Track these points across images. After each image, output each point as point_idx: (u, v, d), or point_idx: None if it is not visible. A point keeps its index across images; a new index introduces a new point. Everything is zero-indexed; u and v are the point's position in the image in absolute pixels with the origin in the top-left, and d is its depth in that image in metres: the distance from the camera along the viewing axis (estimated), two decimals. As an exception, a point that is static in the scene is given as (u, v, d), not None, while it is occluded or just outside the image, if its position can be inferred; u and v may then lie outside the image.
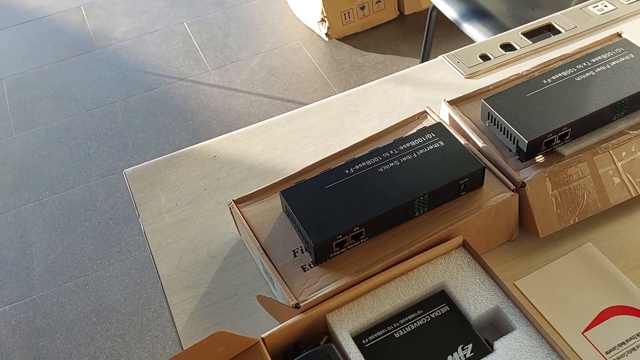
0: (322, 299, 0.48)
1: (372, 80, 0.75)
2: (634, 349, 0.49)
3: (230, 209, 0.57)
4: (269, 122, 0.71)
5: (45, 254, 1.45)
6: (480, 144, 0.58)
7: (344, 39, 1.91)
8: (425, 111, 0.62)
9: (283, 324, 0.47)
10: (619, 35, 0.67)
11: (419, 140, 0.56)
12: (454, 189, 0.53)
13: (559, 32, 0.76)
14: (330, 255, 0.51)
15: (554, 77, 0.59)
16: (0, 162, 1.67)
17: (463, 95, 0.63)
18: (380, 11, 1.92)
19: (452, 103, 0.62)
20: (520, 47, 0.74)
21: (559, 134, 0.55)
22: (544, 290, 0.53)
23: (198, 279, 0.57)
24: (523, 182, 0.54)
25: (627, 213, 0.58)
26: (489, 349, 0.46)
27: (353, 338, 0.47)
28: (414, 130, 0.58)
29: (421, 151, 0.55)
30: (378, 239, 0.52)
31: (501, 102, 0.58)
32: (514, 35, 0.76)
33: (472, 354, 0.46)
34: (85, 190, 1.58)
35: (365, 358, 0.46)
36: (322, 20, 1.87)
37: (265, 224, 0.55)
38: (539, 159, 0.56)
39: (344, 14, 1.87)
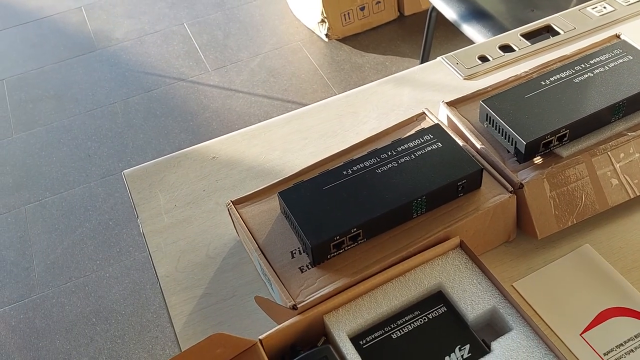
0: (320, 300, 0.48)
1: (372, 81, 0.75)
2: (632, 350, 0.49)
3: (228, 210, 0.57)
4: (268, 123, 0.71)
5: (45, 254, 1.45)
6: (478, 145, 0.58)
7: (344, 40, 1.91)
8: (424, 112, 0.62)
9: (280, 325, 0.47)
10: (617, 36, 0.67)
11: (417, 142, 0.56)
12: (452, 190, 0.54)
13: (558, 33, 0.76)
14: (328, 257, 0.51)
15: (552, 79, 0.59)
16: (0, 162, 1.67)
17: (461, 97, 0.63)
18: (380, 12, 1.92)
19: (451, 104, 0.62)
20: (519, 49, 0.74)
21: (557, 136, 0.55)
22: (542, 291, 0.53)
23: (196, 280, 0.57)
24: (521, 184, 0.54)
25: (625, 214, 0.58)
26: (486, 350, 0.46)
27: (350, 339, 0.47)
28: (412, 132, 0.59)
29: (419, 152, 0.55)
30: (376, 240, 0.52)
31: (499, 103, 0.58)
32: (513, 36, 0.76)
33: (470, 354, 0.46)
34: (85, 190, 1.58)
35: (362, 359, 0.46)
36: (322, 21, 1.87)
37: (264, 225, 0.55)
38: (537, 160, 0.56)
39: (344, 15, 1.87)
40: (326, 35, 1.90)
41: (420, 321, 0.48)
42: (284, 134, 0.70)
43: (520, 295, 0.53)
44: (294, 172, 0.58)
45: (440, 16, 1.30)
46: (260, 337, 0.46)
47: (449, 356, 0.46)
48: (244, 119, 1.71)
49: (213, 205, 0.63)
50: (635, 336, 0.50)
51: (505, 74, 0.70)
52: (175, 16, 2.08)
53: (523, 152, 0.55)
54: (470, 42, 1.12)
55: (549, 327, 0.51)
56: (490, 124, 0.58)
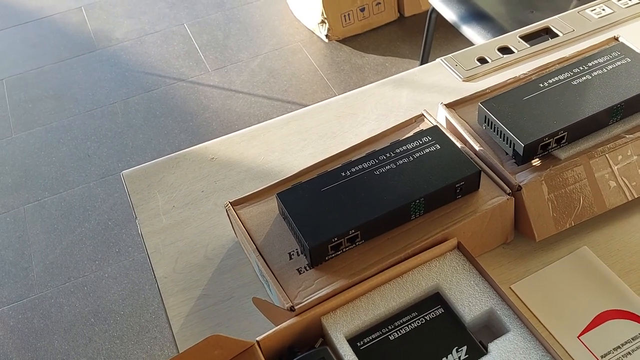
0: (318, 302, 0.48)
1: (371, 82, 0.75)
2: (629, 353, 0.49)
3: (226, 211, 0.57)
4: (267, 124, 0.71)
5: (44, 254, 1.45)
6: (476, 147, 0.58)
7: (344, 41, 1.92)
8: (423, 114, 0.62)
9: (278, 326, 0.47)
10: (615, 39, 0.67)
11: (415, 144, 0.56)
12: (450, 192, 0.54)
13: (557, 35, 0.76)
14: (326, 258, 0.51)
15: (550, 81, 0.60)
16: None
17: (460, 99, 0.63)
18: (380, 13, 1.92)
19: (449, 106, 0.62)
20: (518, 51, 0.74)
21: (556, 138, 0.55)
22: (539, 293, 0.53)
23: (194, 281, 0.57)
24: (519, 186, 0.54)
25: (623, 217, 0.58)
26: (484, 351, 0.46)
27: (348, 341, 0.47)
28: (411, 134, 0.59)
29: (417, 154, 0.55)
30: (374, 242, 0.52)
31: (498, 105, 0.58)
32: (512, 38, 0.76)
33: (467, 356, 0.46)
34: (85, 190, 1.58)
35: (360, 361, 0.46)
36: (322, 21, 1.87)
37: (262, 226, 0.55)
38: (536, 162, 0.56)
39: (344, 16, 1.87)
40: (326, 36, 1.90)
41: (418, 323, 0.48)
42: (283, 135, 0.70)
43: (518, 298, 0.53)
44: (292, 174, 0.58)
45: (440, 17, 1.30)
46: (257, 339, 0.46)
47: (446, 357, 0.46)
48: (244, 119, 1.71)
49: (212, 206, 0.63)
50: (633, 338, 0.50)
51: (504, 75, 0.70)
52: (176, 16, 2.08)
53: (521, 154, 0.55)
54: (470, 43, 1.13)
55: (547, 329, 0.51)
56: (488, 126, 0.58)
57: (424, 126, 0.61)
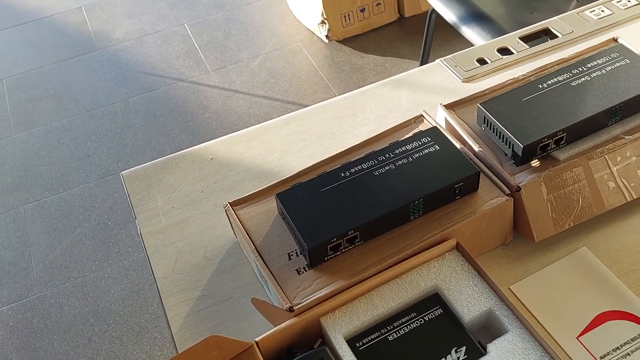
0: (317, 302, 0.48)
1: (371, 82, 0.75)
2: (628, 354, 0.49)
3: (226, 212, 0.57)
4: (267, 125, 0.71)
5: (43, 254, 1.45)
6: (476, 148, 0.58)
7: (344, 41, 1.92)
8: (422, 115, 0.62)
9: (277, 327, 0.47)
10: (615, 40, 0.67)
11: (414, 144, 0.56)
12: (449, 193, 0.54)
13: (556, 36, 0.76)
14: (325, 259, 0.51)
15: (549, 82, 0.60)
16: (-1, 162, 1.68)
17: (459, 99, 0.63)
18: (380, 13, 1.92)
19: (449, 107, 0.63)
20: (517, 52, 0.74)
21: (555, 139, 0.55)
22: (539, 294, 0.53)
23: (194, 281, 0.57)
24: (518, 187, 0.54)
25: (622, 217, 0.58)
26: (482, 352, 0.47)
27: (347, 341, 0.47)
28: (410, 134, 0.59)
29: (417, 155, 0.55)
30: (373, 242, 0.52)
31: (497, 106, 0.58)
32: (511, 39, 0.76)
33: (466, 356, 0.46)
34: (85, 190, 1.58)
35: (358, 361, 0.46)
36: (322, 22, 1.88)
37: (261, 227, 0.55)
38: (535, 163, 0.56)
39: (344, 16, 1.87)
40: (326, 36, 1.90)
41: (417, 323, 0.48)
42: (283, 136, 0.70)
43: (517, 298, 0.53)
44: (292, 174, 0.58)
45: (440, 18, 1.30)
46: (256, 339, 0.46)
47: (445, 358, 0.46)
48: (244, 119, 1.72)
49: (211, 206, 0.63)
50: (632, 339, 0.50)
51: (503, 76, 0.70)
52: (176, 16, 2.08)
53: (520, 155, 0.55)
54: (470, 44, 1.13)
55: (546, 330, 0.51)
56: (487, 126, 0.58)
57: (423, 127, 0.61)
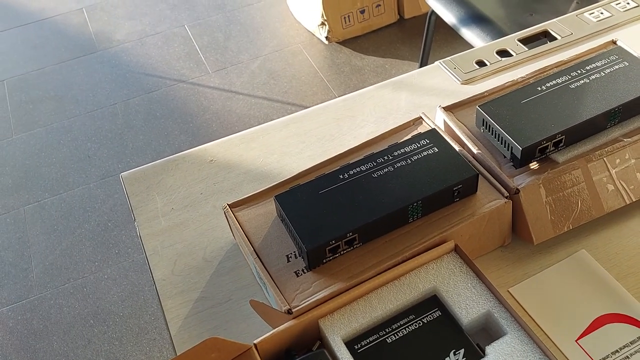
0: (315, 305, 0.48)
1: (371, 84, 0.75)
2: (627, 357, 0.49)
3: (224, 213, 0.57)
4: (266, 127, 0.71)
5: (43, 255, 1.45)
6: (474, 150, 0.58)
7: (344, 43, 1.92)
8: (421, 117, 0.62)
9: (275, 329, 0.47)
10: (614, 42, 0.67)
11: (413, 147, 0.56)
12: (448, 195, 0.54)
13: (555, 38, 0.76)
14: (324, 261, 0.51)
15: (548, 84, 0.60)
16: (0, 163, 1.68)
17: (458, 102, 0.63)
18: (380, 15, 1.92)
19: (448, 109, 0.63)
20: (517, 54, 0.74)
21: (553, 141, 0.55)
22: (537, 297, 0.53)
23: (192, 283, 0.57)
24: (517, 189, 0.54)
25: (621, 220, 0.58)
26: (481, 354, 0.47)
27: (345, 343, 0.47)
28: (409, 136, 0.59)
29: (415, 157, 0.55)
30: (372, 244, 0.52)
31: (496, 108, 0.58)
32: (510, 41, 0.76)
33: (464, 359, 0.46)
34: (85, 192, 1.58)
35: (357, 364, 0.46)
36: (323, 23, 1.88)
37: (260, 229, 0.55)
38: (533, 165, 0.57)
39: (344, 18, 1.87)
40: (326, 37, 1.90)
41: (415, 325, 0.48)
42: (282, 137, 0.70)
43: (516, 301, 0.53)
44: (291, 176, 0.59)
45: (439, 20, 1.30)
46: (255, 342, 0.46)
47: (444, 361, 0.46)
48: (244, 120, 1.72)
49: (210, 208, 0.64)
50: (631, 342, 0.50)
51: (502, 79, 0.71)
52: (176, 18, 2.08)
53: (519, 158, 0.55)
54: (469, 46, 1.13)
55: (545, 332, 0.51)
56: (486, 129, 0.58)
57: (422, 129, 0.61)
